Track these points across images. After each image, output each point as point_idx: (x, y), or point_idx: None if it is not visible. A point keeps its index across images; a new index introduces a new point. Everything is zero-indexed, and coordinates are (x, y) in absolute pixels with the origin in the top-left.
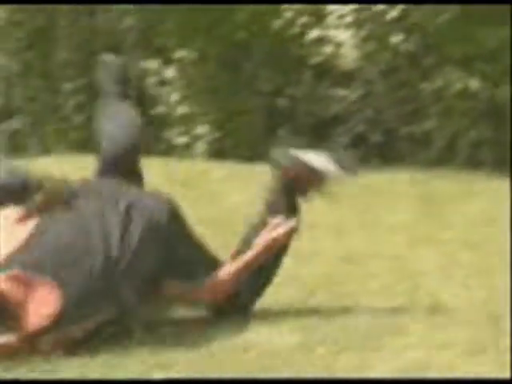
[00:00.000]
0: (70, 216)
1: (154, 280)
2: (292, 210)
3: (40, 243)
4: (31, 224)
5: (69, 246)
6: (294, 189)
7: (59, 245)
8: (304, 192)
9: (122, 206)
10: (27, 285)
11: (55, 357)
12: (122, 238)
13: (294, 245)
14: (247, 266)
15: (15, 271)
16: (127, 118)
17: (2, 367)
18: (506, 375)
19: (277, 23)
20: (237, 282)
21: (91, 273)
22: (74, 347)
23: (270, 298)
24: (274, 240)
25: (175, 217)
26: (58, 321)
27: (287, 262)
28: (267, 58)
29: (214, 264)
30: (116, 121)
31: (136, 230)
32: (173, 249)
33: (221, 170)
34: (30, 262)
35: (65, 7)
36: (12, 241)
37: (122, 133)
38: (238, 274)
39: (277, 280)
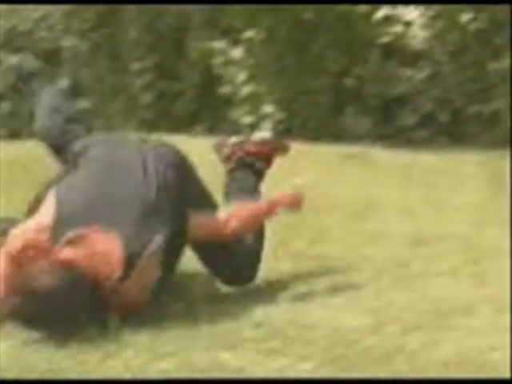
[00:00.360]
0: (86, 169)
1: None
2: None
3: (71, 202)
4: (50, 196)
5: (100, 192)
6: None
7: (90, 196)
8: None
9: (135, 149)
10: (86, 243)
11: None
12: (145, 170)
13: (362, 226)
14: (253, 215)
15: (68, 236)
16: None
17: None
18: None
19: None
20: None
21: (135, 208)
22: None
23: (338, 278)
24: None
25: (185, 158)
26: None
27: (355, 243)
28: (335, 38)
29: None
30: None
31: (158, 166)
32: (190, 185)
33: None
34: (74, 221)
35: None
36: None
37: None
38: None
39: (344, 261)
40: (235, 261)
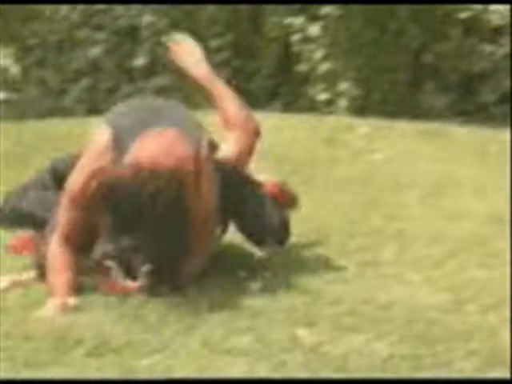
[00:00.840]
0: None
1: None
2: None
3: (124, 120)
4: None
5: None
6: None
7: (140, 114)
8: None
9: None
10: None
11: None
12: None
13: (439, 203)
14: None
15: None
16: None
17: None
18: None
19: None
20: None
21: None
22: None
23: (416, 255)
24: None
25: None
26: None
27: (433, 220)
28: (413, 14)
29: None
30: None
31: None
32: None
33: (364, 127)
34: (133, 132)
35: None
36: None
37: None
38: None
39: (422, 239)
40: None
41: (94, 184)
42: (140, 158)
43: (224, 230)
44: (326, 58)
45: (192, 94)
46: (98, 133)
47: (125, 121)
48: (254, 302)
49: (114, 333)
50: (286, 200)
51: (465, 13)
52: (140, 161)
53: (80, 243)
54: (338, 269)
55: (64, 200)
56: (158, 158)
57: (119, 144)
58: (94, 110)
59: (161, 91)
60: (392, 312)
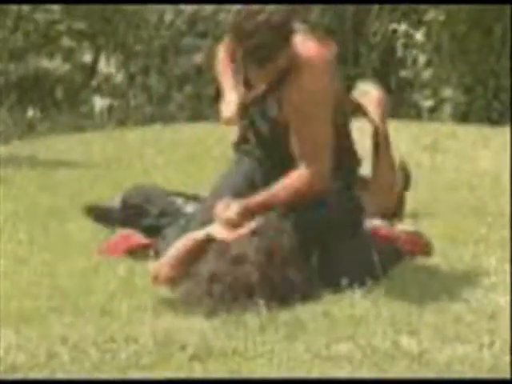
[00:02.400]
0: None
1: None
2: None
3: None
4: None
5: None
6: None
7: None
8: None
9: None
10: None
11: None
12: None
13: None
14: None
15: None
16: None
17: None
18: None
19: None
20: None
21: None
22: None
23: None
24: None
25: None
26: None
27: None
28: None
29: None
30: None
31: None
32: None
33: (469, 134)
34: None
35: None
36: None
37: None
38: None
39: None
40: None
41: None
42: None
43: None
44: (429, 63)
45: None
46: None
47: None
48: (356, 310)
49: (217, 338)
50: (419, 250)
51: None
52: None
53: None
54: (441, 277)
55: None
56: None
57: None
58: (197, 116)
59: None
60: (497, 322)
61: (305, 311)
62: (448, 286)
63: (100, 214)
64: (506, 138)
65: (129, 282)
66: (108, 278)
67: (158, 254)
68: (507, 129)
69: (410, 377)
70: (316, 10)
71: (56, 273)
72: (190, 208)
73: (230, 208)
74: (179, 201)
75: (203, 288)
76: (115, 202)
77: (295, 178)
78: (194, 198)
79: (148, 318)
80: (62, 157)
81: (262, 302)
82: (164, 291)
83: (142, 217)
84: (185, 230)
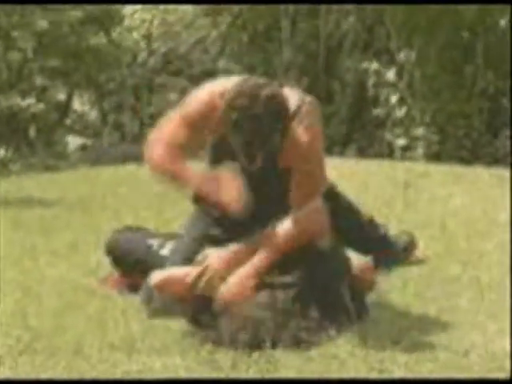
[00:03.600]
0: None
1: None
2: None
3: None
4: None
5: None
6: None
7: None
8: None
9: None
10: None
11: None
12: None
13: None
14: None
15: None
16: None
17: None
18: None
19: (502, 22)
20: None
21: None
22: None
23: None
24: None
25: None
26: None
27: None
28: (491, 58)
29: None
30: None
31: None
32: None
33: (441, 173)
34: None
35: (291, 6)
36: None
37: None
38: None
39: (500, 287)
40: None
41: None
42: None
43: None
44: (402, 102)
45: None
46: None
47: None
48: (329, 347)
49: (191, 377)
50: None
51: None
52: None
53: None
54: (414, 316)
55: None
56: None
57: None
58: None
59: None
60: (469, 359)
61: (277, 348)
62: (421, 324)
63: None
64: (477, 177)
65: (101, 321)
66: (79, 316)
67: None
68: (479, 168)
69: (410, 377)
70: (289, 49)
71: (28, 312)
72: (165, 251)
73: (241, 275)
74: (155, 244)
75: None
76: None
77: (293, 224)
78: (171, 237)
79: (120, 358)
80: (35, 196)
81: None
82: (137, 328)
83: (124, 263)
84: None
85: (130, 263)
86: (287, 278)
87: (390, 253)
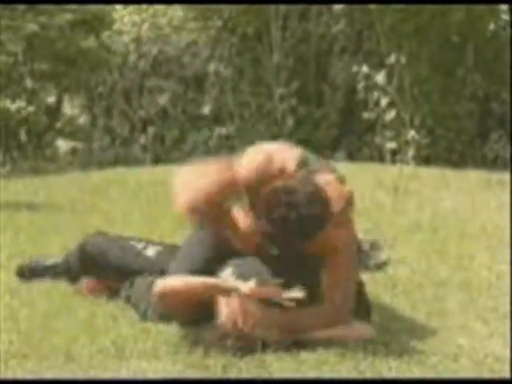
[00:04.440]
0: None
1: None
2: None
3: None
4: None
5: None
6: None
7: None
8: None
9: None
10: None
11: None
12: None
13: (508, 254)
14: None
15: None
16: None
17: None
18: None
19: (492, 26)
20: None
21: None
22: None
23: (482, 306)
24: None
25: None
26: None
27: (501, 270)
28: (481, 62)
29: None
30: None
31: None
32: None
33: (431, 176)
34: None
35: (281, 9)
36: None
37: None
38: None
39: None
40: None
41: None
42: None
43: None
44: (391, 105)
45: (256, 142)
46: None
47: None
48: (319, 350)
49: (182, 381)
50: None
51: None
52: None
53: None
54: (404, 319)
55: None
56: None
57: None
58: (161, 159)
59: (226, 139)
60: (459, 363)
61: (269, 352)
62: (411, 328)
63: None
64: (467, 180)
65: (91, 325)
66: (70, 321)
67: (128, 300)
68: (469, 171)
69: (410, 377)
70: (279, 53)
71: (18, 316)
72: (150, 251)
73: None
74: (140, 245)
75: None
76: (52, 259)
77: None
78: (154, 243)
79: (111, 362)
80: (25, 200)
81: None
82: (127, 332)
83: (98, 267)
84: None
85: (104, 266)
86: None
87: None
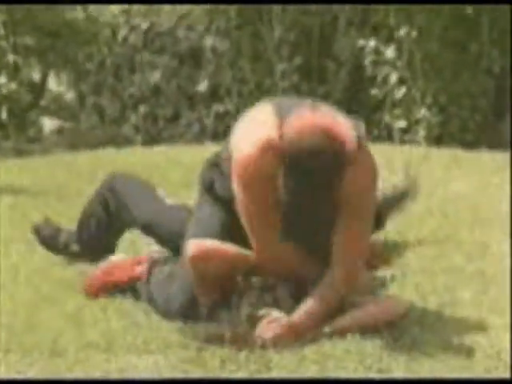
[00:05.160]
0: None
1: None
2: None
3: None
4: None
5: None
6: None
7: None
8: None
9: None
10: None
11: None
12: None
13: None
14: None
15: None
16: None
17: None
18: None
19: None
20: None
21: None
22: None
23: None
24: None
25: None
26: None
27: None
28: (497, 35)
29: None
30: None
31: None
32: None
33: (442, 157)
34: None
35: None
36: None
37: None
38: None
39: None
40: None
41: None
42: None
43: None
44: (401, 81)
45: None
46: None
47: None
48: (324, 345)
49: (174, 376)
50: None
51: None
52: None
53: None
54: (413, 310)
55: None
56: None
57: (280, 116)
58: (153, 139)
59: (223, 116)
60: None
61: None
62: (421, 319)
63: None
64: (480, 161)
65: (78, 318)
66: (55, 313)
67: (136, 295)
68: (483, 152)
69: (410, 377)
70: (280, 26)
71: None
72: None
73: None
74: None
75: None
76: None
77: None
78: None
79: (99, 357)
80: (7, 183)
81: None
82: (116, 326)
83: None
84: (167, 285)
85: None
86: None
87: None
